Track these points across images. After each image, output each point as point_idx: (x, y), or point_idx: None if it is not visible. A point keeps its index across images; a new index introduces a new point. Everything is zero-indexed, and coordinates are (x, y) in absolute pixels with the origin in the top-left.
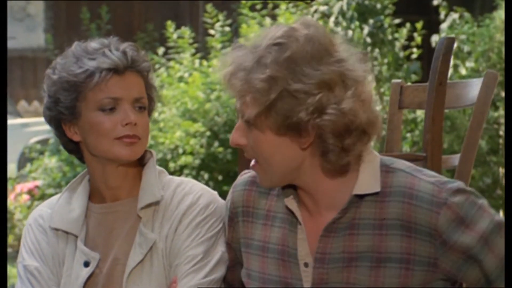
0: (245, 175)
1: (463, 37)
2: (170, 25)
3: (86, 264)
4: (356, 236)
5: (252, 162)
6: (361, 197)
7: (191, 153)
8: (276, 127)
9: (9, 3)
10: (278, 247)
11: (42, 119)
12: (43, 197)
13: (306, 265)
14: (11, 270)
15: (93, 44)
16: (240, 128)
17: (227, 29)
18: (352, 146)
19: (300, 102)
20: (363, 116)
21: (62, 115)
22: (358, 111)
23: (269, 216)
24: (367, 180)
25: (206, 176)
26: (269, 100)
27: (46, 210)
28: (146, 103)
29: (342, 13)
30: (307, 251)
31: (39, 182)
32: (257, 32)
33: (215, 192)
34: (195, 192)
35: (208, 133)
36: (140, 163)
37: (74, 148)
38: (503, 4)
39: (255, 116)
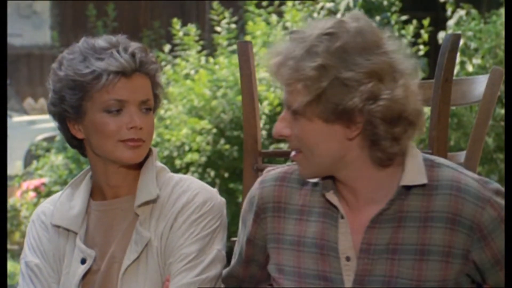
0: (273, 171)
1: (469, 33)
2: (176, 22)
3: (83, 261)
4: (402, 228)
5: (293, 153)
6: (407, 189)
7: (197, 151)
8: (326, 115)
9: (15, 1)
10: (316, 241)
11: (48, 116)
12: (49, 194)
13: (348, 259)
14: (16, 267)
15: (101, 42)
16: (285, 119)
17: (233, 26)
18: (401, 134)
19: (352, 90)
20: (412, 106)
21: (66, 113)
22: (408, 101)
23: (303, 211)
24: (413, 172)
25: (212, 173)
26: (321, 88)
27: (48, 207)
28: (152, 104)
29: (348, 10)
30: (350, 244)
31: (45, 180)
32: (303, 25)
33: (214, 190)
34: (192, 189)
35: (214, 130)
36: (142, 162)
37: (77, 145)
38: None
39: (305, 105)
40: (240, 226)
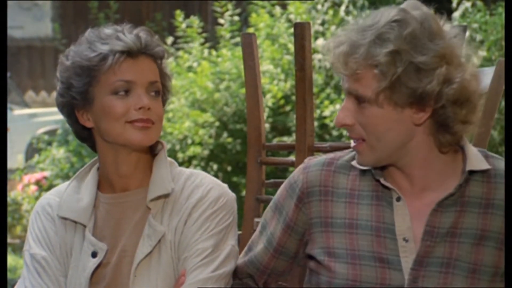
0: (318, 158)
1: (475, 25)
2: (179, 14)
3: (94, 255)
4: (464, 213)
5: (353, 143)
6: (469, 175)
7: (200, 144)
8: (401, 100)
9: None
10: (371, 224)
11: (50, 109)
12: (50, 187)
13: (405, 240)
14: (18, 261)
15: (106, 30)
16: (348, 108)
17: (236, 18)
18: (469, 117)
19: (428, 74)
20: (477, 89)
21: (74, 101)
22: (474, 83)
23: (353, 195)
24: (475, 159)
25: (215, 167)
26: (396, 73)
27: (54, 199)
28: (160, 88)
29: (353, 1)
30: (408, 225)
31: (47, 173)
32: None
33: (225, 185)
34: (205, 185)
35: (217, 123)
36: (152, 152)
37: (86, 136)
38: None
39: (379, 92)
40: (270, 215)
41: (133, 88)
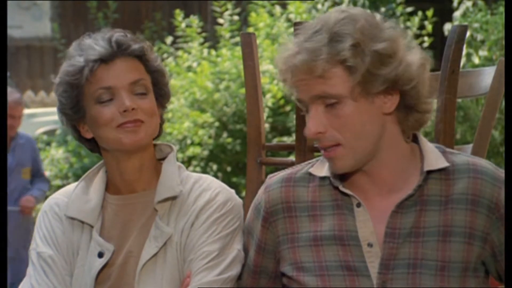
0: (276, 176)
1: (476, 25)
2: (179, 14)
3: (100, 255)
4: (424, 212)
5: (326, 152)
6: (428, 175)
7: (200, 144)
8: (373, 89)
9: None
10: (334, 233)
11: (48, 109)
12: (50, 188)
13: (370, 245)
14: None
15: (86, 40)
16: (317, 115)
17: (236, 18)
18: (427, 94)
19: (392, 59)
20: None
21: (69, 116)
22: (427, 63)
23: (315, 207)
24: (433, 158)
25: (214, 167)
26: (365, 64)
27: (62, 199)
28: (147, 86)
29: (353, 1)
30: (371, 230)
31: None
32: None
33: (233, 190)
34: (213, 188)
35: (216, 123)
36: (158, 155)
37: (93, 146)
38: None
39: (353, 86)
40: (245, 239)
41: (115, 93)
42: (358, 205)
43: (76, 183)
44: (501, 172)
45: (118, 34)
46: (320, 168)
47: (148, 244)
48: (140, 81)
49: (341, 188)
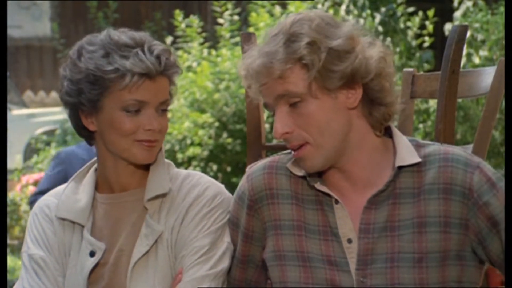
0: (258, 164)
1: (476, 25)
2: (179, 14)
3: (92, 254)
4: (398, 205)
5: (295, 152)
6: (400, 168)
7: (200, 144)
8: (332, 85)
9: None
10: (319, 228)
11: (48, 109)
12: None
13: (349, 241)
14: (16, 262)
15: (125, 38)
16: (283, 117)
17: (236, 17)
18: (390, 88)
19: (348, 54)
20: (390, 64)
21: (82, 106)
22: (389, 58)
23: (298, 198)
24: (405, 152)
25: (214, 167)
26: (321, 60)
27: (52, 200)
28: (168, 104)
29: (353, 1)
30: (350, 226)
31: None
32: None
33: (222, 185)
34: (202, 184)
35: (216, 123)
36: None
37: (87, 135)
38: None
39: (310, 82)
40: (230, 232)
41: (144, 107)
42: (336, 202)
43: (65, 184)
44: (475, 158)
45: (164, 52)
46: (298, 166)
47: (139, 242)
48: (167, 101)
49: (318, 187)
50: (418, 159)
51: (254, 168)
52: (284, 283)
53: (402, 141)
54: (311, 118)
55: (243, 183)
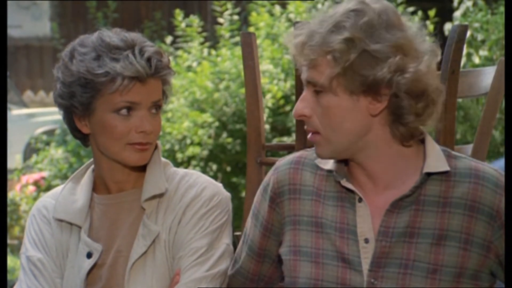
0: (286, 157)
1: (476, 25)
2: (179, 14)
3: (89, 256)
4: (420, 212)
5: (310, 135)
6: (428, 175)
7: (199, 144)
8: (353, 87)
9: None
10: (335, 225)
11: (48, 109)
12: (49, 188)
13: (366, 241)
14: (16, 262)
15: (116, 40)
16: (306, 99)
17: (236, 17)
18: (424, 110)
19: (380, 62)
20: (434, 84)
21: (75, 108)
22: (431, 78)
23: (319, 194)
24: (435, 159)
25: (214, 167)
26: (349, 60)
27: (50, 201)
28: (161, 104)
29: None
30: (369, 226)
31: (45, 173)
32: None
33: (220, 185)
34: (199, 184)
35: (216, 123)
36: None
37: (81, 137)
38: None
39: (333, 77)
40: (249, 222)
41: (136, 108)
42: (360, 200)
43: (63, 185)
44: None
45: (155, 54)
46: (326, 160)
47: (136, 243)
48: (159, 101)
49: (343, 183)
50: (447, 168)
51: (282, 161)
52: (295, 277)
53: (434, 148)
54: (327, 111)
55: (269, 175)
